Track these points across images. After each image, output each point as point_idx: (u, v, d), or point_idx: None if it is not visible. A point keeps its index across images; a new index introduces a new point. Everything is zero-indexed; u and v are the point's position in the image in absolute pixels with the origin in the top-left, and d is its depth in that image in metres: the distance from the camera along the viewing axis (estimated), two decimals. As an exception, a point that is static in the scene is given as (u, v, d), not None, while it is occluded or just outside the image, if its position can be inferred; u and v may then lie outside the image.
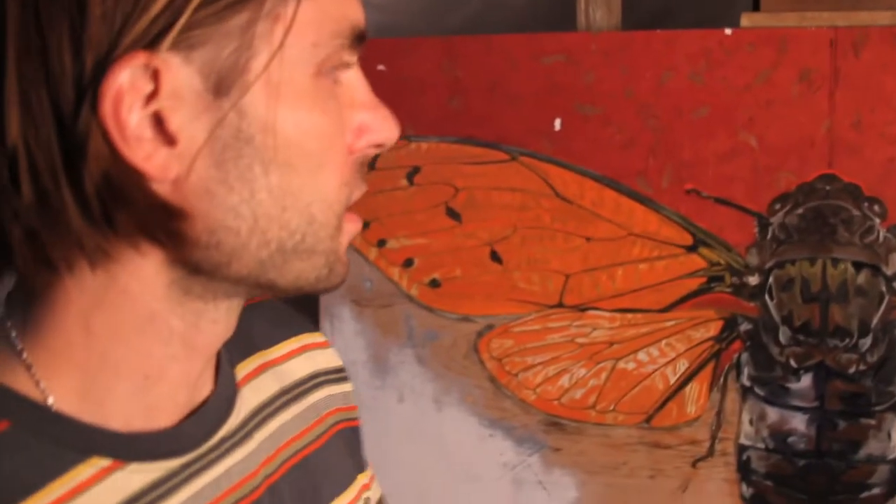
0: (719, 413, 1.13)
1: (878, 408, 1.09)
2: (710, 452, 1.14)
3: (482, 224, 1.16)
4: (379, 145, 0.52)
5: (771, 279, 1.09)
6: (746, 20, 1.11)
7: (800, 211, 1.08)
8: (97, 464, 0.47)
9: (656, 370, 1.13)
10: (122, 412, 0.48)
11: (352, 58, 0.49)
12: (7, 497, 0.44)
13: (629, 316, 1.13)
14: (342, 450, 0.63)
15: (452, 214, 1.16)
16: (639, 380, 1.14)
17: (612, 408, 1.15)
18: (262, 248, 0.47)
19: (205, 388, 0.52)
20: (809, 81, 1.08)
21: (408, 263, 1.18)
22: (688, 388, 1.13)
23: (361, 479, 0.65)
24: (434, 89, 1.17)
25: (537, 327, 1.16)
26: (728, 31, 1.09)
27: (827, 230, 1.07)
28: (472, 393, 1.19)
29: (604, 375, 1.15)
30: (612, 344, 1.14)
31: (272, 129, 0.45)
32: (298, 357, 0.63)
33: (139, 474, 0.48)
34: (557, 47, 1.13)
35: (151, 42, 0.42)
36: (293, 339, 0.63)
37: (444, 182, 1.16)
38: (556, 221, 1.13)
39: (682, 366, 1.13)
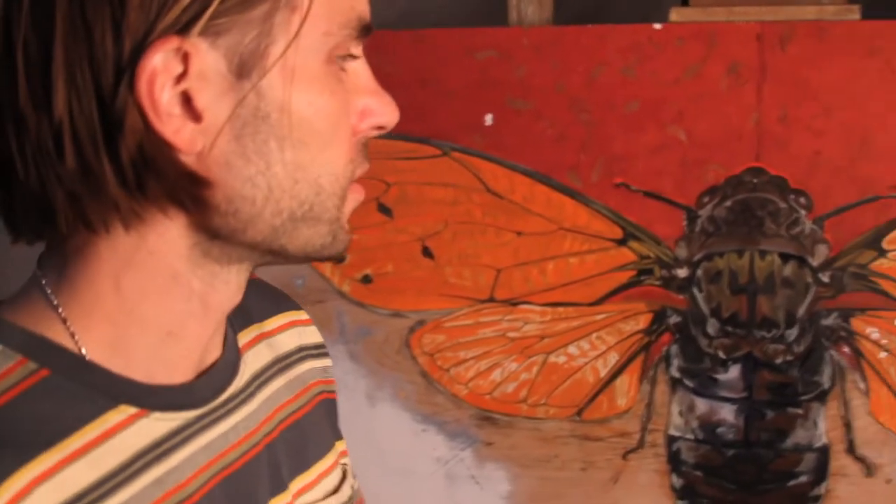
0: (649, 405, 1.14)
1: (804, 397, 1.11)
2: (641, 444, 1.15)
3: (413, 219, 1.16)
4: (381, 127, 0.58)
5: (699, 271, 1.10)
6: (675, 15, 1.12)
7: (728, 204, 1.09)
8: (126, 411, 0.52)
9: (587, 363, 1.15)
10: (145, 365, 0.53)
11: (357, 48, 0.55)
12: (48, 436, 0.49)
13: (560, 310, 1.14)
14: (324, 418, 0.68)
15: (384, 210, 1.16)
16: (570, 373, 1.15)
17: (543, 401, 1.16)
18: (275, 216, 0.52)
19: (214, 351, 0.58)
20: (737, 75, 1.09)
21: (340, 259, 1.18)
22: (618, 381, 1.14)
23: (339, 445, 0.70)
24: (365, 83, 1.16)
25: (469, 322, 1.16)
26: (657, 26, 1.10)
27: (754, 222, 1.09)
28: (405, 388, 1.19)
29: (535, 369, 1.16)
30: (543, 338, 1.15)
31: (287, 109, 0.51)
32: (287, 331, 0.68)
33: (162, 422, 0.53)
34: (489, 42, 1.13)
35: (183, 28, 0.48)
36: (283, 315, 0.69)
37: (376, 178, 1.16)
38: (487, 216, 1.14)
39: (613, 359, 1.14)
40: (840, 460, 1.12)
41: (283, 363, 0.66)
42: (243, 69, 0.50)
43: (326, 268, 1.19)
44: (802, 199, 1.08)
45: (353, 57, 0.55)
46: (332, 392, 0.71)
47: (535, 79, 1.12)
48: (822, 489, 1.13)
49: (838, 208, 1.08)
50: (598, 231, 1.12)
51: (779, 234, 1.08)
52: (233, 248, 0.54)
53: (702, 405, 1.13)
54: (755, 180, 1.09)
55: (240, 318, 0.63)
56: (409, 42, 1.15)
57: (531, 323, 1.15)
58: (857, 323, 1.09)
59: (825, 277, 1.09)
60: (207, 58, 0.49)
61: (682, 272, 1.11)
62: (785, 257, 1.09)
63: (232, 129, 0.50)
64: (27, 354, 0.51)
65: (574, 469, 1.16)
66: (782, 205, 1.08)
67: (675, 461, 1.15)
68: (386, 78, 1.17)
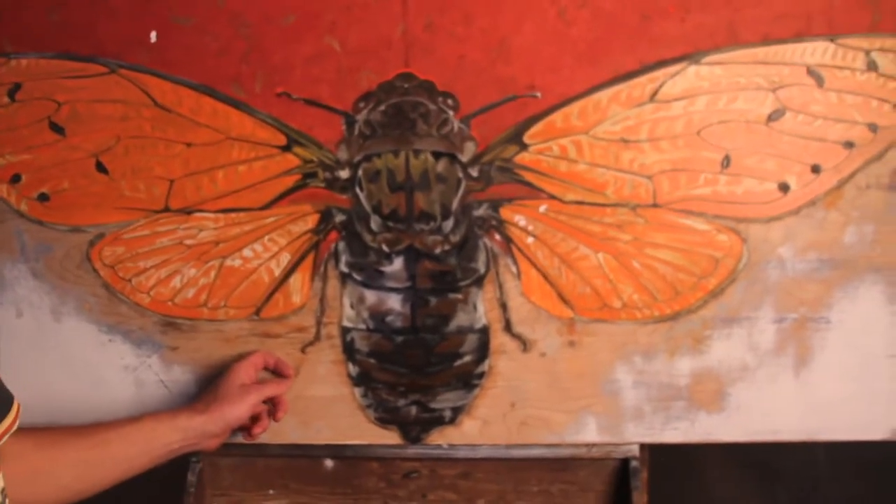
0: (322, 300, 1.26)
1: (463, 283, 1.25)
2: (317, 337, 1.27)
3: (86, 136, 1.23)
4: None
5: (360, 172, 1.22)
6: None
7: (382, 108, 1.21)
8: None
9: (261, 265, 1.25)
10: None
11: None
12: None
13: (232, 216, 1.24)
14: None
15: (56, 129, 1.23)
16: (246, 275, 1.26)
17: (223, 304, 1.27)
18: None
19: None
20: (384, -13, 1.20)
21: (15, 179, 1.24)
22: (292, 280, 1.26)
23: None
24: (32, 4, 1.21)
25: (146, 232, 1.25)
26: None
27: (407, 124, 1.21)
28: (89, 301, 1.27)
29: (213, 274, 1.26)
30: (218, 243, 1.25)
31: None
32: None
33: None
34: (149, -40, 1.21)
35: None
36: None
37: (46, 97, 1.22)
38: (156, 130, 1.22)
39: (285, 259, 1.25)
40: (499, 339, 1.27)
41: None
42: None
43: (2, 189, 1.24)
44: (450, 101, 1.21)
45: None
46: None
47: (198, -5, 1.21)
48: (485, 366, 1.28)
49: (482, 108, 1.21)
50: (264, 139, 1.22)
51: (430, 134, 1.21)
52: None
53: (370, 296, 1.25)
54: (406, 85, 1.21)
55: None
56: (72, -38, 1.21)
57: (206, 230, 1.25)
58: (505, 212, 1.24)
59: (475, 172, 1.22)
60: None
61: (343, 174, 1.23)
62: (437, 155, 1.22)
63: None
64: None
65: (258, 366, 1.27)
66: (432, 106, 1.21)
67: (349, 351, 1.27)
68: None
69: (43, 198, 1.24)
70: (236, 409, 1.21)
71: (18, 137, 1.23)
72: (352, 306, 1.26)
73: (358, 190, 1.23)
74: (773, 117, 1.21)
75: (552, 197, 1.23)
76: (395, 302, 1.26)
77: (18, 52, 1.22)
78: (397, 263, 1.24)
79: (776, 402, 1.29)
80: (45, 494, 1.10)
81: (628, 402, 1.29)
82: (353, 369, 1.28)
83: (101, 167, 1.23)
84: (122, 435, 1.15)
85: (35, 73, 1.22)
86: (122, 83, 1.22)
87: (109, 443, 1.14)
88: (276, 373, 1.29)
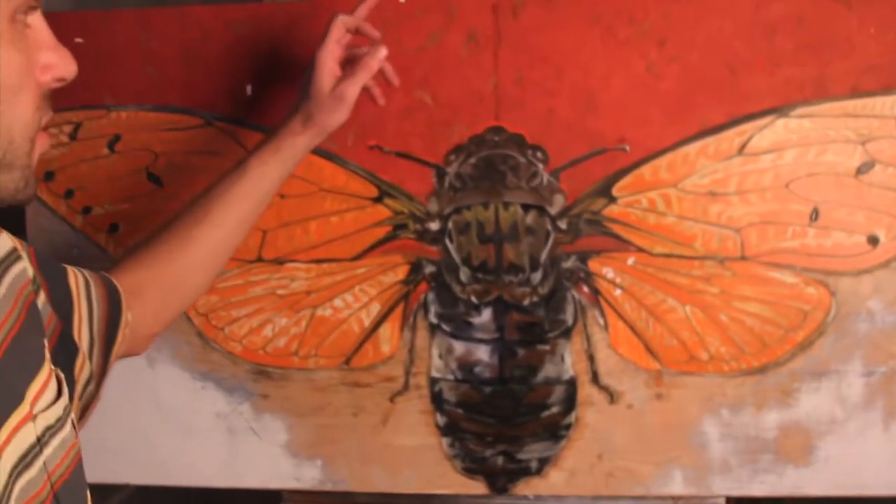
0: (411, 350, 1.28)
1: (551, 334, 1.27)
2: (406, 387, 1.29)
3: (182, 187, 1.26)
4: (61, 79, 0.66)
5: (450, 224, 1.25)
6: (419, -13, 1.26)
7: (472, 160, 1.24)
8: None
9: (352, 315, 1.28)
10: None
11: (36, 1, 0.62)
12: None
13: (324, 266, 1.27)
14: (34, 324, 0.75)
15: (154, 179, 1.27)
16: (336, 325, 1.28)
17: (313, 353, 1.29)
18: None
19: None
20: (476, 42, 1.23)
21: (113, 229, 1.28)
22: (381, 330, 1.28)
23: (46, 344, 0.76)
24: (130, 59, 1.26)
25: (240, 282, 1.28)
26: (402, 0, 1.23)
27: (497, 177, 1.24)
28: (182, 349, 1.30)
29: (304, 323, 1.28)
30: (310, 293, 1.27)
31: None
32: None
33: None
34: (246, 16, 1.25)
35: None
36: None
37: (144, 148, 1.26)
38: (251, 181, 1.25)
39: (375, 309, 1.27)
40: (586, 390, 1.28)
41: None
42: None
43: (101, 238, 1.28)
44: (539, 154, 1.23)
45: (34, 8, 0.63)
46: (31, 293, 0.78)
47: (292, 49, 1.24)
48: (571, 418, 1.29)
49: (571, 161, 1.24)
50: (356, 191, 1.25)
51: (520, 187, 1.23)
52: None
53: (459, 347, 1.27)
54: (496, 138, 1.23)
55: None
56: (171, 18, 1.26)
57: (298, 280, 1.27)
58: (593, 264, 1.25)
59: (563, 224, 1.24)
60: None
61: (434, 225, 1.25)
62: (526, 207, 1.24)
63: None
64: None
65: (346, 415, 1.29)
66: (521, 159, 1.23)
67: (437, 401, 1.29)
68: (150, 53, 1.28)
69: (140, 247, 1.28)
70: (336, 116, 1.09)
71: (117, 188, 1.27)
72: (440, 357, 1.28)
73: (448, 241, 1.25)
74: (862, 170, 1.22)
75: (640, 249, 1.24)
76: (483, 353, 1.27)
77: (118, 105, 1.26)
78: (486, 315, 1.26)
79: (865, 456, 1.28)
80: (189, 295, 1.06)
81: (715, 455, 1.29)
82: (440, 419, 1.30)
83: (196, 218, 1.27)
84: (239, 196, 1.05)
85: (134, 125, 1.26)
86: (218, 135, 1.26)
87: (229, 209, 1.05)
88: (361, 33, 1.14)
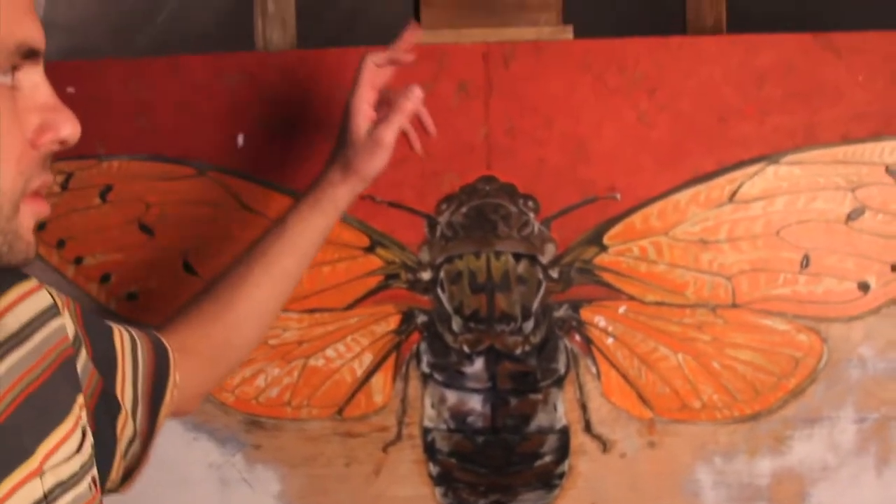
0: (404, 400, 1.28)
1: (543, 383, 1.27)
2: (399, 437, 1.29)
3: (175, 238, 1.27)
4: (63, 141, 0.64)
5: (442, 273, 1.25)
6: (411, 37, 1.26)
7: (464, 210, 1.24)
8: None
9: (344, 365, 1.28)
10: None
11: (34, 67, 0.61)
12: None
13: (316, 315, 1.27)
14: (63, 380, 0.74)
15: (145, 229, 1.27)
16: (329, 375, 1.28)
17: (306, 403, 1.29)
18: None
19: None
20: (466, 92, 1.24)
21: (104, 279, 1.28)
22: (374, 380, 1.28)
23: (80, 400, 0.75)
24: (122, 109, 1.26)
25: (232, 332, 1.28)
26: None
27: (489, 226, 1.24)
28: (174, 399, 1.30)
29: (296, 373, 1.28)
30: (301, 343, 1.27)
31: None
32: (18, 307, 0.72)
33: None
34: (237, 66, 1.25)
35: None
36: (8, 293, 0.72)
37: (136, 199, 1.27)
38: (244, 231, 1.25)
39: (367, 359, 1.28)
40: (579, 439, 1.28)
41: (16, 339, 0.70)
42: None
43: (92, 288, 1.28)
44: (530, 203, 1.24)
45: (29, 59, 0.61)
46: (69, 348, 0.77)
47: (282, 100, 1.25)
48: (564, 467, 1.29)
49: (563, 209, 1.24)
50: (347, 241, 1.26)
51: (511, 236, 1.24)
52: None
53: (451, 397, 1.27)
54: (487, 187, 1.24)
55: None
56: (163, 68, 1.26)
57: (290, 330, 1.27)
58: (585, 313, 1.26)
59: (554, 273, 1.25)
60: None
61: (425, 275, 1.26)
62: (518, 256, 1.24)
63: None
64: None
65: (339, 465, 1.29)
66: (513, 209, 1.24)
67: (430, 451, 1.29)
68: (141, 103, 1.28)
69: (132, 297, 1.28)
70: (375, 162, 1.05)
71: (109, 238, 1.27)
72: (433, 406, 1.28)
73: (440, 291, 1.25)
74: (852, 216, 1.22)
75: (632, 298, 1.25)
76: (475, 402, 1.27)
77: (110, 154, 1.27)
78: (478, 364, 1.26)
79: (858, 502, 1.28)
80: (238, 353, 1.05)
81: (708, 503, 1.29)
82: (433, 469, 1.30)
83: (188, 268, 1.27)
84: (279, 254, 1.03)
85: (126, 175, 1.27)
86: (210, 185, 1.26)
87: (269, 268, 1.03)
88: (395, 62, 1.11)
